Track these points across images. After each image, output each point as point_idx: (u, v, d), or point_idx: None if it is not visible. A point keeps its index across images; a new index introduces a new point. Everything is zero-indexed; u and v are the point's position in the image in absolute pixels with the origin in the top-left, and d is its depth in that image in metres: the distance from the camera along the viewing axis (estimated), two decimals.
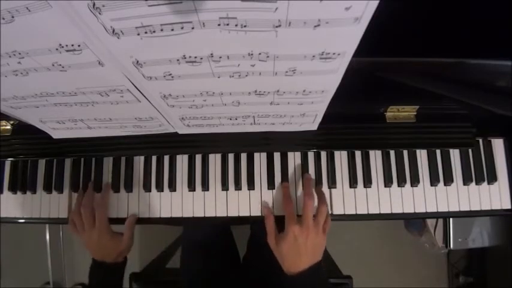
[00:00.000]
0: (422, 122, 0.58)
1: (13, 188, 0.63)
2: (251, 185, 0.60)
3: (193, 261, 0.75)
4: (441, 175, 0.59)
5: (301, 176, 0.59)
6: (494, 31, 0.40)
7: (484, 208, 0.59)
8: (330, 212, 0.57)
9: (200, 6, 0.24)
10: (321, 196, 0.56)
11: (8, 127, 0.62)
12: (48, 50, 0.31)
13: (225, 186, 0.60)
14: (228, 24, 0.26)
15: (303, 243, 0.50)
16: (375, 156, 0.60)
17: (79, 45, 0.30)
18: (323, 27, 0.27)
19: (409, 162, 0.60)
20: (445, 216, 0.60)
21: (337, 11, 0.25)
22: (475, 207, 0.59)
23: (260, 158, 0.61)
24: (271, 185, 0.59)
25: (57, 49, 0.30)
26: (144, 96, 0.41)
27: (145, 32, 0.27)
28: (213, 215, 0.60)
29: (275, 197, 0.59)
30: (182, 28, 0.27)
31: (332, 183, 0.59)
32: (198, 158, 0.61)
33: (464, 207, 0.59)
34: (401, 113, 0.58)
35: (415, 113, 0.58)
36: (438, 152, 0.60)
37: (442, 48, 0.41)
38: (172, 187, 0.61)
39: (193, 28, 0.27)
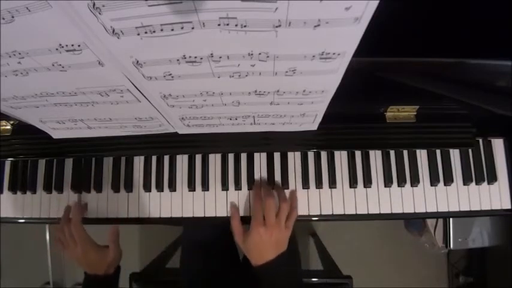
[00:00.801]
0: (422, 122, 0.58)
1: (13, 188, 0.63)
2: (251, 185, 0.60)
3: (193, 261, 0.75)
4: (441, 175, 0.59)
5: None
6: (494, 31, 0.40)
7: (484, 208, 0.59)
8: (297, 209, 0.58)
9: (200, 6, 0.24)
10: (281, 195, 0.58)
11: (8, 127, 0.62)
12: (48, 50, 0.31)
13: (225, 186, 0.60)
14: (228, 24, 0.26)
15: (267, 241, 0.53)
16: (375, 156, 0.60)
17: (79, 45, 0.30)
18: (323, 27, 0.27)
19: (409, 162, 0.60)
20: (445, 216, 0.60)
21: (337, 11, 0.25)
22: (475, 207, 0.59)
23: (260, 158, 0.61)
24: (271, 185, 0.59)
25: (57, 49, 0.30)
26: (144, 96, 0.41)
27: (145, 32, 0.27)
28: (213, 215, 0.60)
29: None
30: (182, 28, 0.27)
31: (332, 183, 0.59)
32: (198, 158, 0.61)
33: (464, 207, 0.59)
34: (401, 113, 0.58)
35: (415, 113, 0.58)
36: (438, 152, 0.60)
37: (442, 48, 0.41)
38: (172, 187, 0.61)
39: (193, 28, 0.27)
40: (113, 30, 0.27)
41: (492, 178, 0.59)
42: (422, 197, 0.59)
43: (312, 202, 0.59)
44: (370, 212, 0.59)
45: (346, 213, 0.59)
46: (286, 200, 0.57)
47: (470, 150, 0.60)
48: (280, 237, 0.54)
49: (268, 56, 0.31)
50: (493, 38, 0.40)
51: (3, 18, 0.26)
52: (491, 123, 0.60)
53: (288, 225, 0.55)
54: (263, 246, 0.53)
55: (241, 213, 0.59)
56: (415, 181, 0.59)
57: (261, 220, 0.54)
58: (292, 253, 0.55)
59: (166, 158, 0.62)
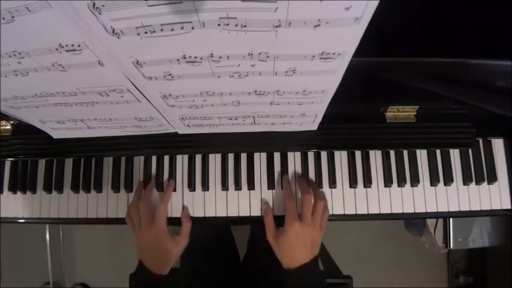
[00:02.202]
0: (422, 122, 0.58)
1: (13, 188, 0.63)
2: (251, 185, 0.60)
3: (193, 261, 0.75)
4: (441, 175, 0.59)
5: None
6: (494, 31, 0.40)
7: (484, 208, 0.59)
8: (328, 209, 0.57)
9: (200, 6, 0.24)
10: (316, 192, 0.57)
11: (8, 127, 0.62)
12: (48, 50, 0.31)
13: (225, 186, 0.60)
14: (228, 24, 0.26)
15: (302, 239, 0.50)
16: (375, 156, 0.60)
17: (79, 45, 0.30)
18: (323, 27, 0.27)
19: (409, 162, 0.60)
20: (445, 216, 0.60)
21: (337, 11, 0.25)
22: (475, 207, 0.59)
23: (260, 158, 0.61)
24: (271, 185, 0.59)
25: (57, 49, 0.30)
26: (144, 96, 0.41)
27: (146, 32, 0.27)
28: (213, 215, 0.60)
29: (275, 197, 0.59)
30: (182, 28, 0.27)
31: (332, 183, 0.59)
32: (198, 158, 0.61)
33: (464, 207, 0.59)
34: (401, 113, 0.58)
35: (415, 113, 0.58)
36: (438, 152, 0.60)
37: (442, 48, 0.41)
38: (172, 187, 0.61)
39: (193, 28, 0.27)
40: (113, 30, 0.27)
41: (492, 178, 0.59)
42: (422, 197, 0.59)
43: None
44: (370, 212, 0.59)
45: (346, 213, 0.59)
46: (322, 198, 0.55)
47: (470, 150, 0.60)
48: (315, 238, 0.52)
49: (268, 56, 0.31)
50: (493, 38, 0.40)
51: (3, 18, 0.26)
52: (491, 123, 0.60)
53: (322, 225, 0.53)
54: (298, 245, 0.50)
55: (242, 213, 0.59)
56: (415, 181, 0.59)
57: (296, 216, 0.51)
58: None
59: (166, 158, 0.62)
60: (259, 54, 0.31)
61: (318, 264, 0.52)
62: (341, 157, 0.60)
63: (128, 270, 0.74)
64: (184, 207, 0.59)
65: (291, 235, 0.50)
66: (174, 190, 0.61)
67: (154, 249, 0.54)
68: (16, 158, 0.63)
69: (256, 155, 0.61)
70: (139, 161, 0.62)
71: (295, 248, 0.51)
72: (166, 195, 0.58)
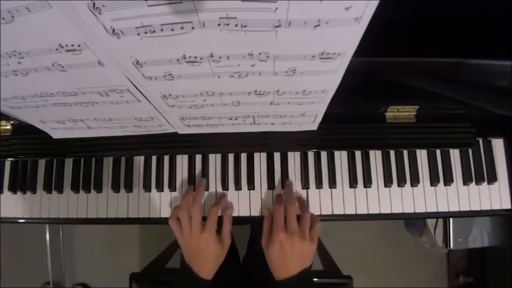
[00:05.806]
0: (422, 122, 0.58)
1: (13, 188, 0.63)
2: (251, 185, 0.60)
3: None
4: (441, 175, 0.59)
5: (300, 178, 0.59)
6: (494, 31, 0.40)
7: (484, 208, 0.59)
8: (318, 218, 0.57)
9: (200, 6, 0.24)
10: (302, 203, 0.56)
11: (8, 127, 0.62)
12: (48, 50, 0.31)
13: (225, 186, 0.60)
14: (228, 24, 0.26)
15: (289, 251, 0.50)
16: (375, 156, 0.60)
17: (79, 45, 0.30)
18: (323, 27, 0.27)
19: (409, 162, 0.60)
20: (445, 216, 0.60)
21: (337, 11, 0.25)
22: (475, 207, 0.59)
23: (260, 158, 0.61)
24: (271, 185, 0.59)
25: (57, 49, 0.30)
26: (144, 96, 0.41)
27: (146, 32, 0.27)
28: None
29: (275, 197, 0.59)
30: (182, 28, 0.27)
31: (332, 183, 0.59)
32: (198, 158, 0.61)
33: (464, 207, 0.59)
34: (401, 113, 0.58)
35: (415, 113, 0.58)
36: (438, 152, 0.60)
37: (442, 48, 0.41)
38: (172, 187, 0.61)
39: (193, 28, 0.27)
40: (113, 30, 0.27)
41: (492, 178, 0.59)
42: (422, 197, 0.59)
43: (312, 202, 0.59)
44: (370, 212, 0.59)
45: (346, 213, 0.59)
46: (308, 209, 0.55)
47: (470, 150, 0.60)
48: (304, 250, 0.51)
49: (268, 56, 0.31)
50: (493, 38, 0.40)
51: (3, 18, 0.26)
52: (491, 123, 0.60)
53: (312, 236, 0.52)
54: (284, 256, 0.50)
55: (242, 213, 0.59)
56: (415, 181, 0.59)
57: (282, 226, 0.51)
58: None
59: (166, 158, 0.62)
60: (259, 54, 0.31)
61: (307, 275, 0.51)
62: (341, 157, 0.60)
63: (128, 270, 0.74)
64: (227, 209, 0.57)
65: (277, 245, 0.50)
66: (174, 190, 0.61)
67: (205, 254, 0.53)
68: (16, 158, 0.63)
69: (256, 155, 0.61)
70: (139, 161, 0.62)
71: (281, 259, 0.50)
72: (222, 200, 0.57)
